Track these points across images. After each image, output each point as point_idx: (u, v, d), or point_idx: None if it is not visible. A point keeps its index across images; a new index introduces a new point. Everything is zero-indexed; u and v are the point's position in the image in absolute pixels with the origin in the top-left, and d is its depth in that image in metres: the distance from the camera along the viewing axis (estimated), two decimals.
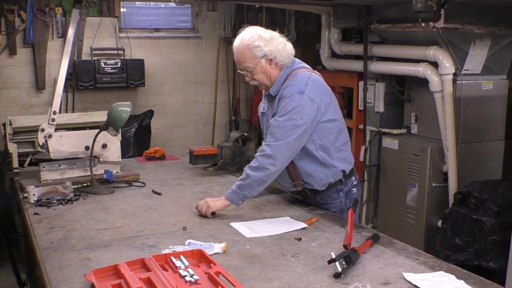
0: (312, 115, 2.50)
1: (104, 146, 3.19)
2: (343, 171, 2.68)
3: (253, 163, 2.55)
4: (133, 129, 5.35)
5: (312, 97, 2.49)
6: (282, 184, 2.80)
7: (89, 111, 4.66)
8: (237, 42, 2.57)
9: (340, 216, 2.62)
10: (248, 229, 2.40)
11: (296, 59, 2.68)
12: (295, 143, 2.50)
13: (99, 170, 3.17)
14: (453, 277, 1.89)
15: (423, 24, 3.77)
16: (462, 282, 1.85)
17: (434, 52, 3.85)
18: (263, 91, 2.74)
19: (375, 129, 4.66)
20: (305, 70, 2.61)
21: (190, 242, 2.20)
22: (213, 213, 2.55)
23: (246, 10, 5.90)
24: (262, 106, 2.81)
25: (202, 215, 2.57)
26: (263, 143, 2.62)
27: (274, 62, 2.56)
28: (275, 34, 2.58)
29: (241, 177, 2.57)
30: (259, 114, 2.85)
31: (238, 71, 2.66)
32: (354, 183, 2.77)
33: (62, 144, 3.16)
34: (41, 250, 2.17)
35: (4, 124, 3.46)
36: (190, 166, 3.54)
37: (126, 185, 3.15)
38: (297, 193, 2.79)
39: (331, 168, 2.64)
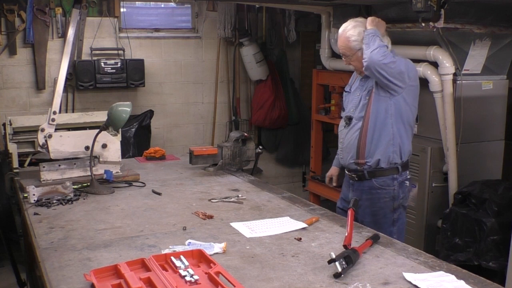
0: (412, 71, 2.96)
1: (104, 146, 3.19)
2: (401, 159, 2.93)
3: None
4: (133, 129, 5.34)
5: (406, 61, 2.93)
6: (344, 160, 3.03)
7: (89, 111, 4.66)
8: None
9: (340, 216, 2.62)
10: (248, 229, 2.40)
11: None
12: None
13: (99, 170, 3.17)
14: (453, 277, 1.89)
15: (423, 24, 3.77)
16: (462, 282, 1.85)
17: (434, 52, 3.85)
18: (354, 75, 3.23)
19: None
20: None
21: (190, 242, 2.21)
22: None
23: (246, 10, 5.90)
24: (349, 87, 3.22)
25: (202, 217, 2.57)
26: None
27: None
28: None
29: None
30: (344, 93, 3.24)
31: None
32: (408, 177, 3.01)
33: (62, 144, 3.16)
34: (41, 250, 2.17)
35: (4, 124, 3.46)
36: (190, 166, 3.54)
37: (126, 185, 3.15)
38: (356, 173, 2.98)
39: (400, 147, 2.91)
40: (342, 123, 3.09)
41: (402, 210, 3.02)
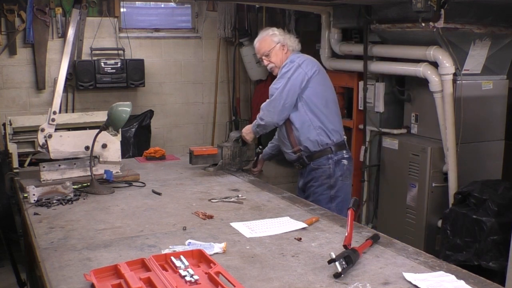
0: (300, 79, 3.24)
1: (104, 146, 3.19)
2: (330, 139, 3.28)
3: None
4: (133, 129, 5.34)
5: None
6: (286, 153, 3.42)
7: (89, 111, 4.66)
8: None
9: (340, 216, 2.62)
10: (248, 229, 2.40)
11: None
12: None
13: (99, 170, 3.17)
14: (453, 277, 1.89)
15: (423, 24, 3.77)
16: (462, 282, 1.85)
17: (434, 52, 3.85)
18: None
19: (375, 129, 4.66)
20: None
21: (190, 242, 2.20)
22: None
23: (246, 10, 5.90)
24: None
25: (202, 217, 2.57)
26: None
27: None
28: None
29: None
30: None
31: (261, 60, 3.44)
32: (345, 156, 3.34)
33: (62, 144, 3.16)
34: (41, 250, 2.17)
35: (4, 124, 3.46)
36: (190, 166, 3.54)
37: (126, 185, 3.15)
38: (298, 161, 3.37)
39: (323, 129, 3.27)
40: None
41: (343, 187, 3.32)
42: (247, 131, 3.46)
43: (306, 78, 3.24)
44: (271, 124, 3.32)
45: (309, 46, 5.99)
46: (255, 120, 3.38)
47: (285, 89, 3.22)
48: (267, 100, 3.31)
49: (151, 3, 5.87)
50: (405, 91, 4.49)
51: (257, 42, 3.42)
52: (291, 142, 3.34)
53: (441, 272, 1.94)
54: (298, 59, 3.29)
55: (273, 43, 3.34)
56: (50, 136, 3.13)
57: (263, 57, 3.39)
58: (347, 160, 3.35)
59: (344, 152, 3.35)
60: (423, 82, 4.08)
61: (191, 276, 1.78)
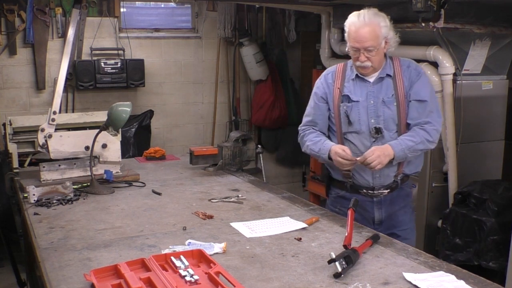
0: None
1: (104, 146, 3.19)
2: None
3: (428, 136, 2.62)
4: (133, 129, 5.34)
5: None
6: (382, 177, 2.68)
7: (89, 111, 4.65)
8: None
9: (340, 216, 2.62)
10: (248, 229, 2.40)
11: None
12: None
13: (99, 170, 3.17)
14: (453, 277, 1.89)
15: (423, 24, 3.76)
16: (462, 282, 1.85)
17: (434, 52, 3.85)
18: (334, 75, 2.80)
19: None
20: None
21: (190, 242, 2.20)
22: None
23: (246, 10, 5.90)
24: (353, 95, 2.70)
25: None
26: (428, 120, 2.64)
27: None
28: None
29: (415, 140, 2.59)
30: (348, 104, 2.69)
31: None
32: None
33: (62, 144, 3.16)
34: (41, 250, 2.17)
35: (4, 124, 3.46)
36: (190, 166, 3.54)
37: (126, 185, 3.15)
38: (388, 187, 2.71)
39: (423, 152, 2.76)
40: (362, 138, 2.67)
41: None
42: (386, 153, 2.55)
43: None
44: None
45: (309, 46, 6.01)
46: (414, 141, 2.58)
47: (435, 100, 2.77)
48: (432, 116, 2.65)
49: (151, 3, 5.86)
50: None
51: (361, 27, 2.59)
52: (400, 164, 2.71)
53: (441, 272, 1.94)
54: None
55: (381, 38, 2.60)
56: (50, 136, 3.13)
57: (365, 53, 2.61)
58: None
59: None
60: None
61: (191, 276, 1.78)
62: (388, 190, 2.72)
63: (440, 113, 2.73)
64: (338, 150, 2.59)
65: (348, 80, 2.74)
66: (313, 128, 2.81)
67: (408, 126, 2.66)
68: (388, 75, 2.67)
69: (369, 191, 2.72)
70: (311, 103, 2.84)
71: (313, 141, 2.75)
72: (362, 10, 2.63)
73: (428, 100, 2.64)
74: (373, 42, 2.56)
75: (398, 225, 2.76)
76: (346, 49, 2.72)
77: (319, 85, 2.82)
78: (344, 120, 2.69)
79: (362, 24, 2.57)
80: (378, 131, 2.63)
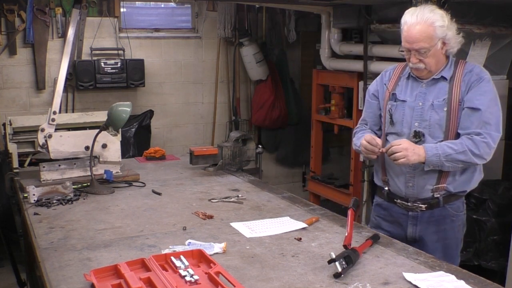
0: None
1: (104, 146, 3.19)
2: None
3: (474, 148, 2.32)
4: (133, 129, 5.34)
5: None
6: (416, 187, 2.46)
7: (89, 111, 4.65)
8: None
9: (340, 216, 2.62)
10: (248, 229, 2.40)
11: None
12: None
13: (99, 170, 3.17)
14: (453, 277, 1.89)
15: None
16: (462, 282, 1.85)
17: None
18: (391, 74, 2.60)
19: None
20: None
21: (190, 242, 2.20)
22: None
23: (246, 10, 5.90)
24: (394, 94, 2.52)
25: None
26: (479, 131, 2.35)
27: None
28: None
29: (456, 148, 2.31)
30: (393, 102, 2.51)
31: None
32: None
33: (62, 144, 3.16)
34: (41, 250, 2.17)
35: (4, 124, 3.46)
36: (190, 166, 3.54)
37: (126, 185, 3.15)
38: (426, 201, 2.46)
39: (478, 169, 2.46)
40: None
41: None
42: (415, 151, 2.33)
43: None
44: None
45: (309, 46, 6.01)
46: (454, 148, 2.32)
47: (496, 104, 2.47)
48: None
49: (151, 3, 5.86)
50: None
51: (413, 26, 2.36)
52: (441, 176, 2.45)
53: (441, 272, 1.94)
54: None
55: (436, 39, 2.38)
56: (50, 136, 3.13)
57: (416, 54, 2.40)
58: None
59: None
60: None
61: (191, 276, 1.78)
62: (426, 206, 2.46)
63: (500, 128, 2.39)
64: (368, 136, 2.45)
65: (403, 78, 2.55)
66: (364, 126, 2.71)
67: (458, 136, 2.38)
68: (443, 78, 2.43)
69: (404, 202, 2.51)
70: (365, 100, 2.75)
71: (357, 137, 2.65)
72: (418, 7, 2.42)
73: (482, 109, 2.34)
74: (424, 43, 2.33)
75: (432, 252, 2.33)
76: (398, 49, 2.49)
77: (374, 82, 2.70)
78: (388, 119, 2.52)
79: (414, 23, 2.34)
80: (417, 135, 2.39)
